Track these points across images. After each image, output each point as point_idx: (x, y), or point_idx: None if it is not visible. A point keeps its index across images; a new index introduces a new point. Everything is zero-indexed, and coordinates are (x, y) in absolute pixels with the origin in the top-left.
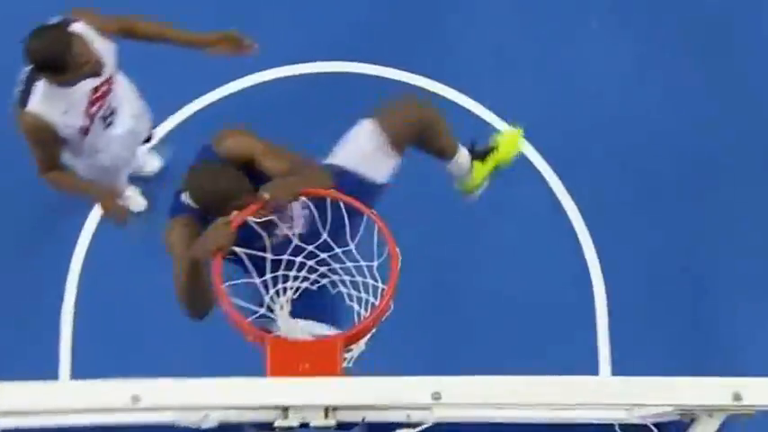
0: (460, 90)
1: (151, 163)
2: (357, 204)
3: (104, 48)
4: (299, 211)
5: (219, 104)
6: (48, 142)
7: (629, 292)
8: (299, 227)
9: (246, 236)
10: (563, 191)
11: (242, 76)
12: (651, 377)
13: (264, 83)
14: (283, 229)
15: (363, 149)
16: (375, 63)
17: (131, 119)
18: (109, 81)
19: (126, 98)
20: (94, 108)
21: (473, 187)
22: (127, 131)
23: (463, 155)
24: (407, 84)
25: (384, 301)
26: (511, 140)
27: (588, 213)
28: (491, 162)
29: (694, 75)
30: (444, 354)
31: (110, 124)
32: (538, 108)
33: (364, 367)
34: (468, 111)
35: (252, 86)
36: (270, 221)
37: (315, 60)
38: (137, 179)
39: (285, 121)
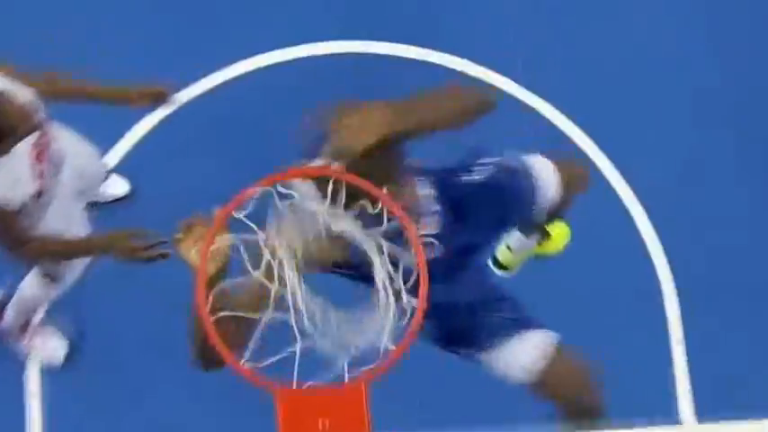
0: (490, 67)
1: (116, 186)
2: (368, 186)
3: (29, 97)
4: (428, 207)
5: (203, 101)
6: (1, 221)
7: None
8: (429, 226)
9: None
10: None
11: (234, 62)
12: (741, 423)
13: (266, 68)
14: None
15: (545, 176)
16: (389, 41)
17: (78, 162)
18: (44, 130)
19: (67, 142)
20: (42, 165)
21: (515, 265)
22: (77, 177)
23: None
24: (425, 62)
25: (416, 318)
26: (562, 235)
27: (653, 211)
28: (541, 248)
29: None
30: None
31: (57, 174)
32: (572, 82)
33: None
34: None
35: (249, 73)
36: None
37: (319, 41)
38: (97, 207)
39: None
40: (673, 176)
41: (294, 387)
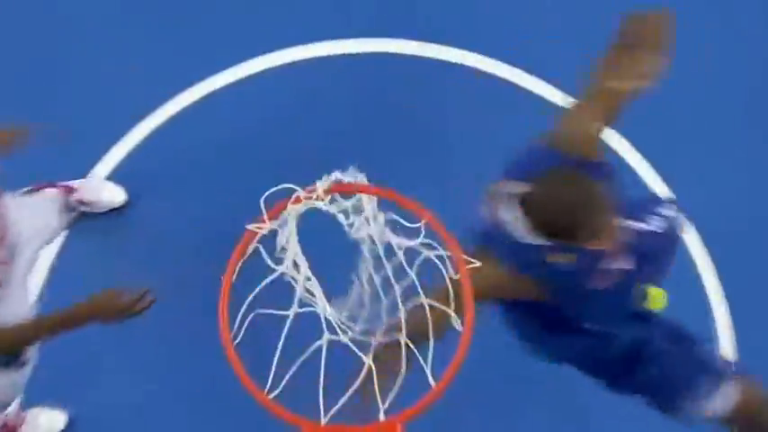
0: (526, 69)
1: (113, 194)
2: (405, 202)
3: None
4: (627, 241)
5: (205, 103)
6: None
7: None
8: (627, 262)
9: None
10: None
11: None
12: None
13: (281, 66)
14: (612, 263)
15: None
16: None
17: (36, 232)
18: None
19: (18, 211)
20: (2, 252)
21: None
22: (45, 231)
23: None
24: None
25: (461, 348)
26: (658, 299)
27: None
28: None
29: None
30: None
31: (12, 258)
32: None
33: None
34: (530, 91)
35: (257, 73)
36: (593, 252)
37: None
38: (93, 217)
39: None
40: (715, 180)
41: (323, 424)
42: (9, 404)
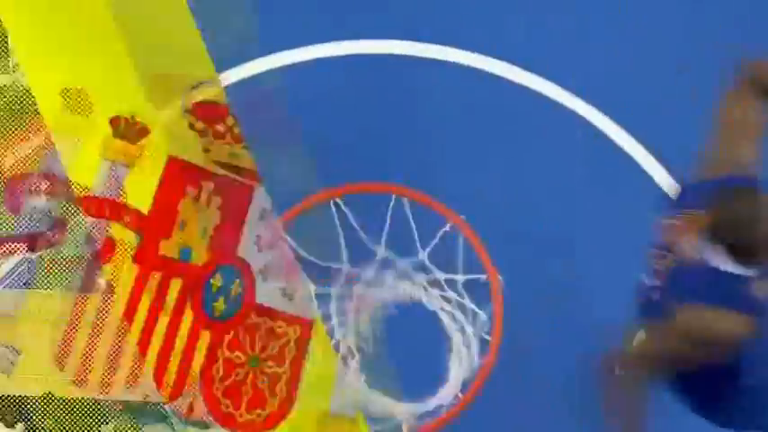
0: (540, 74)
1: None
2: (437, 206)
3: None
4: None
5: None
6: None
7: None
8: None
9: None
10: None
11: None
12: None
13: (282, 68)
14: None
15: None
16: (415, 40)
17: None
18: None
19: None
20: None
21: None
22: None
23: None
24: (479, 69)
25: (490, 355)
26: None
27: None
28: None
29: None
30: None
31: None
32: (635, 94)
33: None
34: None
35: (257, 75)
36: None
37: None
38: None
39: (320, 114)
40: None
41: None
42: None
